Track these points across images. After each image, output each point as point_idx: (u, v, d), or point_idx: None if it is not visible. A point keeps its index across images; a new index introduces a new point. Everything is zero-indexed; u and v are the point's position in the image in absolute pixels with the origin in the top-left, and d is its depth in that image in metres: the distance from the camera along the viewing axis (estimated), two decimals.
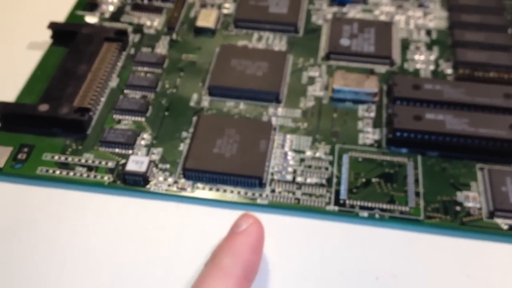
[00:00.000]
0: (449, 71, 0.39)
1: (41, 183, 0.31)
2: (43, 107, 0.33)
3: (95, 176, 0.32)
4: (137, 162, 0.31)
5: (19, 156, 0.32)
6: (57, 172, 0.32)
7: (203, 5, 0.43)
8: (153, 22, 0.42)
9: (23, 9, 0.43)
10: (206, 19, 0.42)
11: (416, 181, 0.32)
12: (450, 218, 0.31)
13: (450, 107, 0.35)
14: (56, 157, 0.32)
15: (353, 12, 0.44)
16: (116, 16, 0.42)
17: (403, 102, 0.36)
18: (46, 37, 0.40)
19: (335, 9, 0.44)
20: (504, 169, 0.33)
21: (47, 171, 0.32)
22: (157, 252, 0.29)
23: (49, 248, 0.29)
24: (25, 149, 0.32)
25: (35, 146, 0.33)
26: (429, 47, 0.41)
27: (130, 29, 0.41)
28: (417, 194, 0.32)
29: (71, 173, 0.32)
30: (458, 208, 0.31)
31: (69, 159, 0.32)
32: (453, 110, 0.35)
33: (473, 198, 0.31)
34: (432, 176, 0.32)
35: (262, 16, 0.42)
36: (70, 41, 0.38)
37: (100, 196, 0.31)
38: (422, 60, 0.40)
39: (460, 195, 0.32)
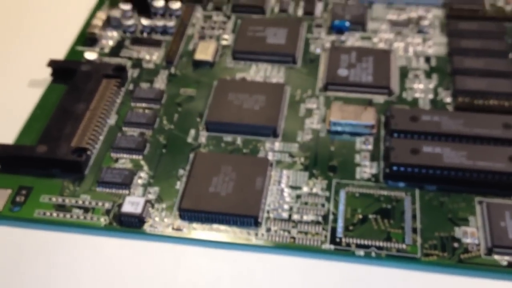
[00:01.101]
0: (448, 99, 0.39)
1: (38, 226, 0.32)
2: (41, 149, 0.34)
3: (91, 218, 0.32)
4: (133, 203, 0.31)
5: (18, 198, 0.33)
6: (54, 214, 0.32)
7: (202, 37, 0.44)
8: (152, 56, 0.42)
9: (24, 46, 0.44)
10: (205, 51, 0.42)
11: (414, 216, 0.32)
12: (448, 256, 0.30)
13: (448, 139, 0.35)
14: (54, 199, 0.33)
15: (352, 40, 0.44)
16: (115, 50, 0.43)
17: (400, 135, 0.36)
18: (46, 74, 0.40)
19: (333, 37, 0.44)
20: (503, 202, 0.32)
21: (44, 213, 0.32)
22: None
23: None
24: (23, 191, 0.33)
25: (33, 188, 0.33)
26: (428, 75, 0.41)
27: (129, 64, 0.41)
28: (414, 230, 0.31)
29: (68, 215, 0.32)
30: (456, 244, 0.31)
31: (67, 200, 0.33)
32: (451, 142, 0.35)
33: (472, 234, 0.31)
34: (430, 211, 0.32)
35: (260, 47, 0.42)
36: (70, 78, 0.39)
37: (97, 238, 0.31)
38: (421, 89, 0.40)
39: (458, 231, 0.31)
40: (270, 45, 0.42)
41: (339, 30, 0.44)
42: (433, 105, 0.38)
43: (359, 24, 0.44)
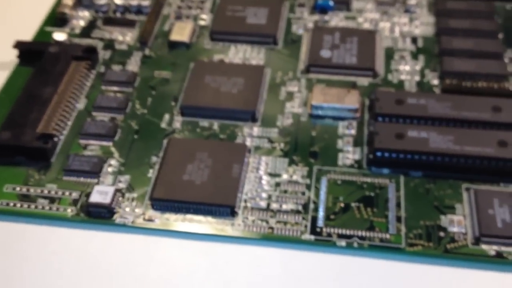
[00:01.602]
0: (435, 81, 0.37)
1: (1, 217, 0.30)
2: (5, 135, 0.32)
3: (57, 209, 0.30)
4: (101, 193, 0.30)
5: None
6: (18, 205, 0.30)
7: (178, 17, 0.42)
8: (126, 37, 0.40)
9: None
10: (181, 32, 0.40)
11: (398, 204, 0.30)
12: (434, 245, 0.29)
13: (435, 123, 0.34)
14: (18, 189, 0.31)
15: (336, 20, 0.42)
16: (86, 31, 0.40)
17: (385, 119, 0.34)
18: (12, 56, 0.38)
19: (316, 17, 0.42)
20: (491, 189, 0.31)
21: (7, 204, 0.30)
22: None
23: (9, 285, 0.27)
24: None
25: None
26: (414, 56, 0.39)
27: (100, 45, 0.39)
28: (399, 219, 0.30)
29: (33, 206, 0.30)
30: (442, 233, 0.29)
31: (31, 190, 0.31)
32: (438, 126, 0.33)
33: (458, 222, 0.30)
34: (415, 199, 0.31)
35: (239, 27, 0.40)
36: (38, 60, 0.37)
37: (63, 230, 0.30)
38: (407, 71, 0.38)
39: (444, 219, 0.30)
40: (250, 25, 0.40)
41: (323, 10, 0.42)
42: (420, 88, 0.37)
43: (343, 3, 0.43)
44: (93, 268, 0.28)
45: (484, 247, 0.29)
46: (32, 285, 0.27)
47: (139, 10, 0.42)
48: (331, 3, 0.42)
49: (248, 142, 0.33)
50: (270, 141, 0.34)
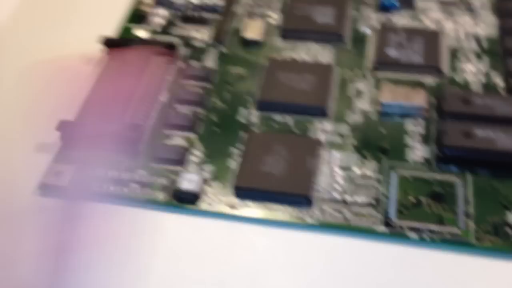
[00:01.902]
0: (500, 82, 0.38)
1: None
2: None
3: (149, 193, 0.32)
4: (189, 181, 0.32)
5: None
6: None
7: (250, 16, 0.44)
8: (202, 35, 0.42)
9: (71, 23, 0.44)
10: (253, 30, 0.42)
11: (466, 201, 0.32)
12: (501, 241, 0.30)
13: (502, 123, 0.35)
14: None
15: (400, 19, 0.43)
16: (165, 28, 0.43)
17: (452, 118, 0.36)
18: (98, 51, 0.41)
19: (381, 16, 0.43)
20: None
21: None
22: (207, 270, 0.30)
23: (107, 263, 0.30)
24: None
25: None
26: (479, 56, 0.40)
27: (179, 42, 0.42)
28: (467, 215, 0.31)
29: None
30: (509, 230, 0.31)
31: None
32: (505, 126, 0.35)
33: None
34: (483, 196, 0.32)
35: (309, 26, 0.42)
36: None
37: (154, 213, 0.32)
38: (472, 71, 0.39)
39: (510, 216, 0.31)
40: (318, 24, 0.42)
41: (388, 9, 0.44)
42: (485, 88, 0.38)
43: (408, 3, 0.44)
44: (179, 251, 0.31)
45: None
46: (123, 263, 0.30)
47: (213, 8, 0.44)
48: (396, 3, 0.44)
49: (320, 137, 0.35)
50: (341, 136, 0.36)
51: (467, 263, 0.30)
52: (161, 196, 0.32)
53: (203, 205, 0.32)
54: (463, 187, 0.33)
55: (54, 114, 0.36)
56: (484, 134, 0.34)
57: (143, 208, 0.32)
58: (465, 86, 0.38)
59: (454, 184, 0.33)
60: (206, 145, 0.35)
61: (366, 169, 0.34)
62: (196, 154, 0.35)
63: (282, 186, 0.32)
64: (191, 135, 0.36)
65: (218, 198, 0.32)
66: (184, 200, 0.32)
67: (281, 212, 0.32)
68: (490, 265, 0.30)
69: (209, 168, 0.34)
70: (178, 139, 0.35)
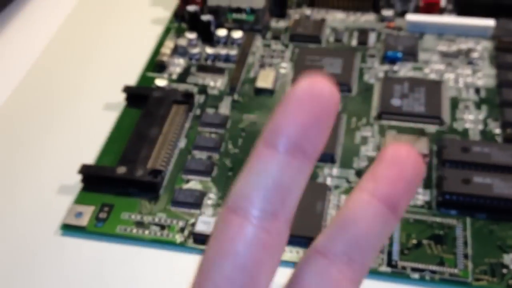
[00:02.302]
0: (497, 131, 0.41)
1: (120, 240, 0.35)
2: (121, 170, 0.37)
3: (167, 235, 0.35)
4: (205, 223, 0.34)
5: (100, 215, 0.36)
6: (134, 230, 0.35)
7: (262, 66, 0.47)
8: (216, 83, 0.45)
9: (98, 72, 0.47)
10: (265, 79, 0.45)
11: (465, 243, 0.34)
12: (497, 281, 0.32)
13: (498, 170, 0.37)
14: (133, 216, 0.36)
15: (404, 70, 0.46)
16: (182, 77, 0.46)
17: (452, 165, 0.38)
18: (120, 98, 0.44)
19: (386, 67, 0.46)
20: None
21: (125, 229, 0.35)
22: None
23: None
24: (106, 208, 0.36)
25: (114, 205, 0.36)
26: (477, 106, 0.43)
27: (195, 90, 0.45)
28: (466, 256, 0.34)
29: (147, 232, 0.35)
30: (505, 270, 0.33)
31: (144, 218, 0.36)
32: (501, 173, 0.37)
33: None
34: (480, 238, 0.34)
35: None
36: (143, 102, 0.42)
37: (173, 253, 0.34)
38: (471, 120, 0.42)
39: (506, 258, 0.33)
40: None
41: (392, 61, 0.47)
42: (483, 136, 0.40)
43: (411, 54, 0.47)
44: None
45: None
46: None
47: (227, 58, 0.47)
48: (399, 55, 0.47)
49: (329, 182, 0.38)
50: (348, 181, 0.38)
51: None
52: (179, 237, 0.35)
53: None
54: (462, 230, 0.35)
55: (76, 158, 0.39)
56: (482, 181, 0.36)
57: (162, 249, 0.34)
58: (464, 133, 0.41)
59: (453, 227, 0.35)
60: (221, 188, 0.38)
61: None
62: (211, 197, 0.37)
63: (292, 228, 0.34)
64: (207, 179, 0.38)
65: None
66: (200, 241, 0.34)
67: (291, 253, 0.34)
68: None
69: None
70: (194, 183, 0.38)
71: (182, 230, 0.35)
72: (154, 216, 0.36)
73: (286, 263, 0.33)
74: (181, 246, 0.34)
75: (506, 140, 0.40)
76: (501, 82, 0.44)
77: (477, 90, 0.44)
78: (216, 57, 0.47)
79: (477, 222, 0.35)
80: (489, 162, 0.37)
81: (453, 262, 0.33)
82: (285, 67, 0.47)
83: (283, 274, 0.33)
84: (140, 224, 0.36)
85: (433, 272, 0.33)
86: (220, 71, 0.46)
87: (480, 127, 0.41)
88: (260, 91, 0.44)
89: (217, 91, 0.45)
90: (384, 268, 0.33)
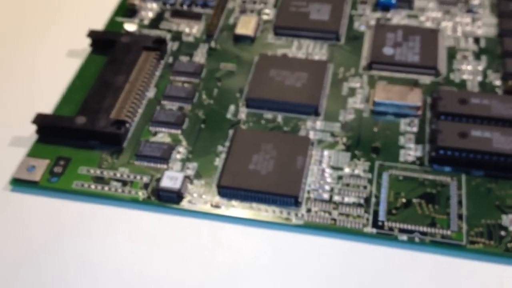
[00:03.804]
0: (497, 82, 0.37)
1: (76, 197, 0.31)
2: (81, 120, 0.33)
3: (129, 192, 0.31)
4: (171, 178, 0.31)
5: (55, 169, 0.32)
6: (92, 186, 0.32)
7: (243, 11, 0.43)
8: (192, 29, 0.41)
9: (62, 16, 0.43)
10: (246, 26, 0.41)
11: (459, 202, 0.31)
12: (495, 244, 0.29)
13: (498, 123, 0.34)
14: (92, 171, 0.32)
15: (398, 18, 0.42)
16: (155, 22, 0.42)
17: (447, 117, 0.34)
18: (85, 44, 0.40)
19: (378, 14, 0.42)
20: None
21: (82, 185, 0.32)
22: (189, 271, 0.29)
23: (81, 263, 0.29)
24: (62, 162, 0.33)
25: (71, 159, 0.33)
26: (477, 56, 0.39)
27: (168, 36, 0.41)
28: (460, 216, 0.30)
29: (106, 188, 0.32)
30: (503, 232, 0.30)
31: (105, 173, 0.32)
32: (501, 126, 0.33)
33: None
34: (477, 198, 0.31)
35: (303, 23, 0.41)
36: (110, 49, 0.38)
37: (134, 212, 0.31)
38: (469, 71, 0.38)
39: (505, 219, 0.30)
40: (313, 21, 0.41)
41: (385, 7, 0.43)
42: (482, 88, 0.37)
43: (406, 1, 0.43)
44: (160, 250, 0.29)
45: None
46: (102, 262, 0.29)
47: (205, 3, 0.43)
48: (393, 1, 0.43)
49: (311, 135, 0.34)
50: (333, 135, 0.34)
51: (458, 266, 0.29)
52: (142, 194, 0.31)
53: (185, 204, 0.31)
54: (457, 188, 0.31)
55: (33, 107, 0.35)
56: (480, 135, 0.33)
57: (124, 207, 0.31)
58: (462, 85, 0.37)
59: (447, 184, 0.32)
60: (191, 142, 0.34)
61: (357, 169, 0.33)
62: (181, 151, 0.33)
63: (269, 186, 0.31)
64: (177, 132, 0.35)
65: (201, 197, 0.31)
66: (164, 199, 0.31)
67: (267, 212, 0.31)
68: (482, 269, 0.28)
69: (193, 166, 0.33)
70: (163, 135, 0.34)
71: (146, 186, 0.32)
72: (116, 171, 0.32)
73: (263, 223, 0.30)
74: (144, 204, 0.31)
75: (507, 92, 0.36)
76: (503, 31, 0.40)
77: (477, 40, 0.40)
78: (192, 2, 0.43)
79: (474, 179, 0.32)
80: (489, 115, 0.34)
81: (446, 223, 0.30)
82: (268, 13, 0.43)
83: (262, 235, 0.30)
84: (99, 180, 0.32)
85: (424, 233, 0.30)
86: (196, 16, 0.42)
87: (479, 78, 0.37)
88: (239, 39, 0.41)
89: (192, 38, 0.41)
90: (369, 229, 0.30)
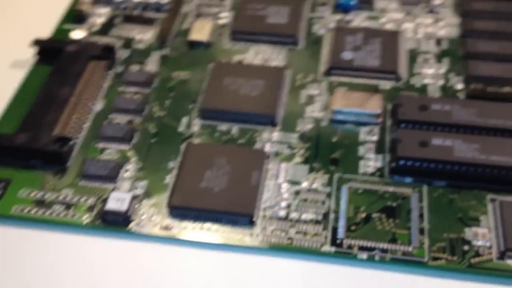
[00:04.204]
0: (459, 86, 0.36)
1: (16, 223, 0.30)
2: (21, 138, 0.31)
3: (73, 215, 0.30)
4: (118, 200, 0.29)
5: None
6: (33, 211, 0.30)
7: (198, 15, 0.41)
8: (144, 36, 0.39)
9: (7, 23, 0.41)
10: (200, 31, 0.39)
11: (421, 215, 0.30)
12: (458, 259, 0.28)
13: (460, 130, 0.33)
14: (33, 194, 0.30)
15: (358, 20, 0.41)
16: (105, 29, 0.40)
17: (408, 125, 0.33)
18: (30, 54, 0.38)
19: (338, 17, 0.41)
20: None
21: (22, 210, 0.30)
22: None
23: None
24: (1, 184, 0.31)
25: (11, 180, 0.31)
26: (438, 58, 0.38)
27: (119, 44, 0.39)
28: (422, 231, 0.29)
29: (48, 212, 0.30)
30: (466, 247, 0.28)
31: (47, 195, 0.30)
32: (463, 134, 0.32)
33: (483, 236, 0.29)
34: (439, 210, 0.30)
35: (260, 27, 0.39)
36: (56, 58, 0.36)
37: (78, 237, 0.29)
38: (430, 74, 0.37)
39: (468, 232, 0.29)
40: (271, 25, 0.39)
41: (345, 9, 0.41)
42: (444, 92, 0.36)
43: (366, 2, 0.42)
44: (107, 278, 0.28)
45: (510, 262, 0.28)
46: None
47: (158, 7, 0.41)
48: (353, 2, 0.41)
49: (268, 148, 0.33)
50: (290, 146, 0.33)
51: (421, 283, 0.27)
52: (86, 218, 0.29)
53: (133, 226, 0.29)
54: (418, 200, 0.30)
55: None
56: (441, 143, 0.32)
57: (67, 233, 0.29)
58: (423, 90, 0.36)
59: (408, 197, 0.30)
60: (141, 158, 0.32)
61: (315, 183, 0.31)
62: (130, 169, 0.32)
63: (222, 204, 0.29)
64: (125, 148, 0.33)
65: (151, 218, 0.30)
66: (110, 222, 0.29)
67: (220, 233, 0.29)
68: (445, 285, 0.27)
69: (142, 184, 0.31)
70: (110, 152, 0.32)
71: (91, 209, 0.30)
72: (59, 193, 0.30)
73: (218, 246, 0.29)
74: (88, 228, 0.29)
75: (470, 96, 0.35)
76: (466, 32, 0.39)
77: (438, 41, 0.39)
78: (145, 6, 0.41)
79: (435, 190, 0.31)
80: (450, 121, 0.33)
81: (407, 239, 0.29)
82: (225, 17, 0.41)
83: (216, 258, 0.28)
84: (40, 203, 0.30)
85: (384, 250, 0.28)
86: (149, 22, 0.40)
87: (441, 82, 0.36)
88: (194, 44, 0.39)
89: (144, 45, 0.39)
90: (328, 248, 0.28)
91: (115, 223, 0.29)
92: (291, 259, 0.28)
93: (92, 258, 0.28)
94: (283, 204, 0.30)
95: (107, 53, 0.37)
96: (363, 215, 0.30)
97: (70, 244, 0.29)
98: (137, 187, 0.31)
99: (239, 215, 0.29)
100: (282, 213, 0.30)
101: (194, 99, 0.35)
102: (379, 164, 0.32)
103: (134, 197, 0.30)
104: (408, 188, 0.31)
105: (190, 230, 0.29)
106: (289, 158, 0.32)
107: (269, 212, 0.30)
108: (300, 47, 0.39)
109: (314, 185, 0.31)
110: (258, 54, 0.38)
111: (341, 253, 0.28)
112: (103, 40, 0.39)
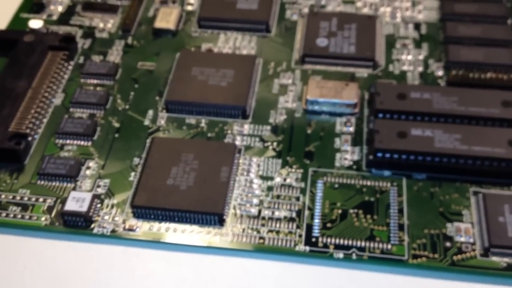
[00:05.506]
0: (440, 72, 0.35)
1: None
2: None
3: (30, 217, 0.28)
4: (78, 200, 0.27)
5: None
6: None
7: (164, 2, 0.39)
8: (107, 24, 0.37)
9: None
10: (166, 18, 0.37)
11: (401, 210, 0.28)
12: (439, 257, 0.27)
13: (440, 119, 0.31)
14: None
15: (333, 4, 0.39)
16: (65, 18, 0.38)
17: (386, 115, 0.31)
18: None
19: (312, 1, 0.39)
20: (502, 193, 0.29)
21: None
22: None
23: None
24: None
25: None
26: (417, 44, 0.36)
27: (80, 33, 0.36)
28: (401, 227, 0.28)
29: (4, 214, 0.28)
30: (448, 244, 0.27)
31: (2, 196, 0.28)
32: (444, 123, 0.31)
33: (466, 231, 0.27)
34: (419, 204, 0.28)
35: (229, 13, 0.37)
36: (12, 49, 0.34)
37: (36, 240, 0.27)
38: (409, 61, 0.35)
39: (450, 228, 0.28)
40: (241, 10, 0.38)
41: None
42: (423, 79, 0.34)
43: None
44: (68, 282, 0.26)
45: (494, 258, 0.26)
46: None
47: None
48: None
49: (238, 142, 0.31)
50: (262, 140, 0.31)
51: (400, 283, 0.26)
52: (44, 220, 0.27)
53: (94, 228, 0.27)
54: (397, 194, 0.29)
55: None
56: (421, 133, 0.30)
57: (24, 236, 0.27)
58: (402, 77, 0.34)
59: (387, 191, 0.29)
60: (103, 155, 0.30)
61: (288, 178, 0.29)
62: (91, 167, 0.30)
63: (189, 203, 0.27)
64: (87, 144, 0.31)
65: (113, 219, 0.28)
66: (70, 224, 0.27)
67: (188, 233, 0.27)
68: (426, 285, 0.26)
69: (104, 183, 0.29)
70: (70, 149, 0.30)
71: (49, 210, 0.28)
72: (15, 194, 0.28)
73: (186, 247, 0.27)
74: (47, 231, 0.27)
75: (451, 83, 0.34)
76: (445, 15, 0.37)
77: (417, 26, 0.37)
78: None
79: (415, 184, 0.29)
80: (430, 110, 0.31)
81: (386, 236, 0.27)
82: (192, 3, 0.39)
83: (182, 260, 0.26)
84: None
85: (361, 249, 0.27)
86: (112, 9, 0.38)
87: (420, 69, 0.35)
88: (159, 33, 0.37)
89: (106, 34, 0.37)
90: (302, 247, 0.27)
91: (76, 225, 0.27)
92: (263, 260, 0.27)
93: (52, 262, 0.26)
94: (255, 201, 0.28)
95: (67, 43, 0.35)
96: (339, 211, 0.28)
97: (28, 247, 0.27)
98: (99, 186, 0.29)
99: (208, 214, 0.27)
100: (254, 210, 0.28)
101: (160, 91, 0.33)
102: (356, 157, 0.30)
103: (96, 197, 0.28)
104: (386, 181, 0.29)
105: (156, 230, 0.27)
106: (261, 152, 0.31)
107: (240, 210, 0.28)
108: (272, 34, 0.37)
109: (288, 181, 0.29)
110: (227, 42, 0.36)
111: (316, 252, 0.27)
112: (63, 29, 0.37)
